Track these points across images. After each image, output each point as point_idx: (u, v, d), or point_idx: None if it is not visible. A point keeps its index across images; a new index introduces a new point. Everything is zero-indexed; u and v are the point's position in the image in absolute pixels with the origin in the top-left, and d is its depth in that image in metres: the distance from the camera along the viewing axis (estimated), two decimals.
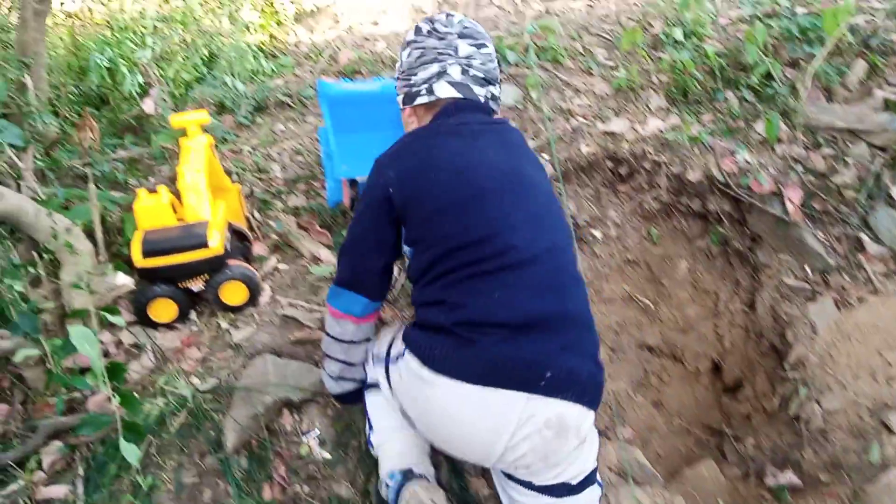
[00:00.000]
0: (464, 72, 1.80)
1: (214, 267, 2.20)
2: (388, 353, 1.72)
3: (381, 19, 4.80)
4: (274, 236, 2.69)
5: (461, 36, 1.82)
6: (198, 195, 2.23)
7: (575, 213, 3.04)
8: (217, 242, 2.15)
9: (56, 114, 3.33)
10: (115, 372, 1.82)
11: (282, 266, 2.56)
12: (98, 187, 2.85)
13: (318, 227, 2.70)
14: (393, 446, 1.82)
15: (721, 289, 3.00)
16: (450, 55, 1.79)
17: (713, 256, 3.03)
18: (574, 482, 1.59)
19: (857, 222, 2.79)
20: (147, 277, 2.18)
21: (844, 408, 2.43)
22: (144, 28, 4.22)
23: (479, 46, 1.84)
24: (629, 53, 3.61)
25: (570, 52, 3.68)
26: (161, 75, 3.77)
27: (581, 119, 3.22)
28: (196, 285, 2.23)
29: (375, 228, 1.72)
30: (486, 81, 1.83)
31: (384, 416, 1.83)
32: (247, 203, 2.75)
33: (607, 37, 3.88)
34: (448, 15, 1.88)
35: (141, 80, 3.45)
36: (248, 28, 4.53)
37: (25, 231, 2.12)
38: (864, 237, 2.74)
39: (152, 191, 2.26)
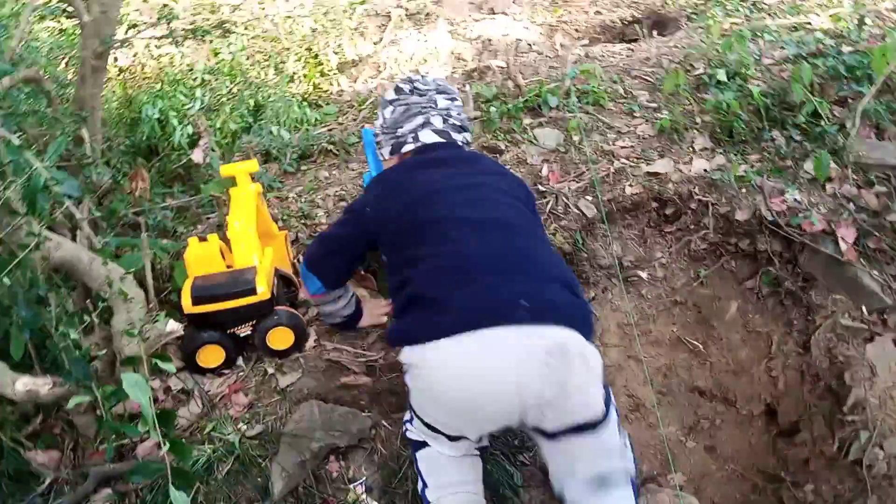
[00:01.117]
0: (444, 121, 2.12)
1: (262, 313, 2.21)
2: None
3: (422, 68, 4.89)
4: None
5: (438, 92, 2.18)
6: (246, 242, 2.26)
7: (620, 254, 3.00)
8: (264, 289, 2.17)
9: (108, 164, 3.44)
10: (165, 419, 1.82)
11: None
12: (148, 236, 2.92)
13: (363, 272, 2.72)
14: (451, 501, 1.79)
15: (773, 330, 2.91)
16: (431, 108, 2.12)
17: (764, 297, 2.96)
18: (600, 412, 1.60)
19: None
20: (196, 324, 2.21)
21: None
22: (193, 81, 4.37)
23: (452, 100, 2.19)
24: (672, 95, 3.60)
25: (612, 95, 3.68)
26: (209, 125, 3.88)
27: (624, 160, 3.20)
28: (244, 331, 2.25)
29: (349, 236, 2.06)
30: (463, 129, 2.17)
31: (437, 472, 1.81)
32: (293, 249, 2.78)
33: (649, 79, 3.88)
34: (423, 75, 2.25)
35: (190, 130, 3.56)
36: (292, 79, 4.65)
37: (80, 278, 2.18)
38: None
39: (203, 239, 2.30)
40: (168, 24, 2.70)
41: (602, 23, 5.61)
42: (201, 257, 2.23)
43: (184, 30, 2.74)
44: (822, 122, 3.20)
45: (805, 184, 3.01)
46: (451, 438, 1.75)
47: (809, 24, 4.37)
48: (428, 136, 2.09)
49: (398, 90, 2.21)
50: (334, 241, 2.13)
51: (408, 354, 1.63)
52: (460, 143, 2.14)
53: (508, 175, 2.11)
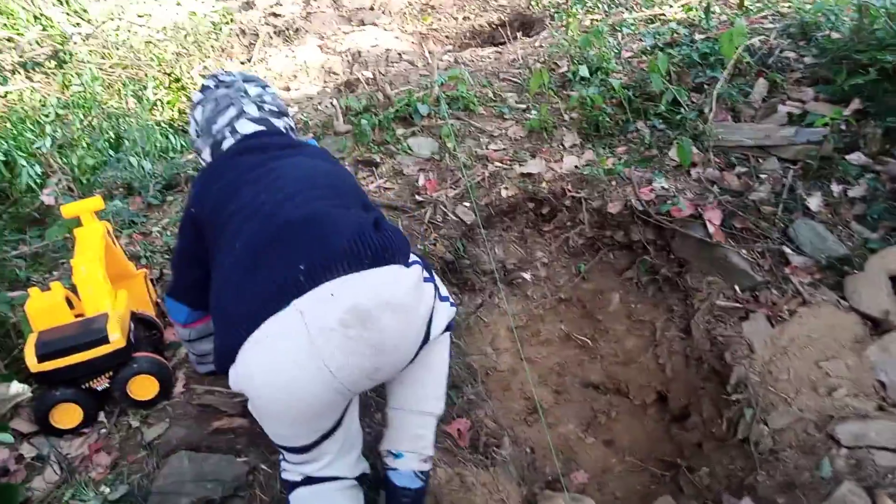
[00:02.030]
0: (259, 108, 1.95)
1: (119, 362, 2.04)
2: None
3: (292, 84, 4.76)
4: None
5: (246, 80, 2.01)
6: (95, 287, 2.08)
7: (503, 257, 2.99)
8: (118, 336, 2.00)
9: None
10: (6, 496, 1.65)
11: None
12: None
13: None
14: None
15: (656, 317, 2.97)
16: (242, 96, 1.95)
17: (644, 286, 3.01)
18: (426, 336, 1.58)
19: (778, 236, 2.80)
20: (46, 382, 2.01)
21: (791, 425, 2.39)
22: (45, 117, 4.08)
23: (264, 87, 2.02)
24: (539, 95, 3.63)
25: (482, 99, 3.68)
26: (65, 163, 3.62)
27: (498, 163, 3.20)
28: (101, 384, 2.07)
29: (189, 243, 1.82)
30: (281, 114, 2.00)
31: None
32: (156, 287, 2.61)
33: (517, 80, 3.91)
34: (225, 70, 2.10)
35: (39, 170, 3.30)
36: (154, 106, 4.43)
37: None
38: (787, 250, 2.75)
39: (45, 288, 2.11)
40: None
41: (471, 28, 5.66)
42: (44, 309, 2.04)
43: (13, 63, 2.52)
44: (682, 110, 3.30)
45: (671, 171, 3.08)
46: (321, 453, 1.62)
47: (664, 15, 4.54)
48: (245, 126, 1.89)
49: (203, 88, 2.03)
50: (180, 256, 1.90)
51: (231, 380, 1.48)
52: (283, 130, 1.96)
53: (336, 164, 1.96)
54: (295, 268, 1.40)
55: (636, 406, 2.90)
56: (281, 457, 1.73)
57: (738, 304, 2.71)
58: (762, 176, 2.97)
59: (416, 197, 3.10)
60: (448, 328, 1.83)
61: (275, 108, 1.98)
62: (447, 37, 5.51)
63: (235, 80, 2.00)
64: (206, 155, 1.96)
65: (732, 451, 2.54)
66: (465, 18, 5.78)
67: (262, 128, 1.90)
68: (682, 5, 4.59)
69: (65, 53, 2.71)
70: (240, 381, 1.45)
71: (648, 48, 3.90)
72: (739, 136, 3.11)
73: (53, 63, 2.51)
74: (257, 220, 1.55)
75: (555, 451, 2.68)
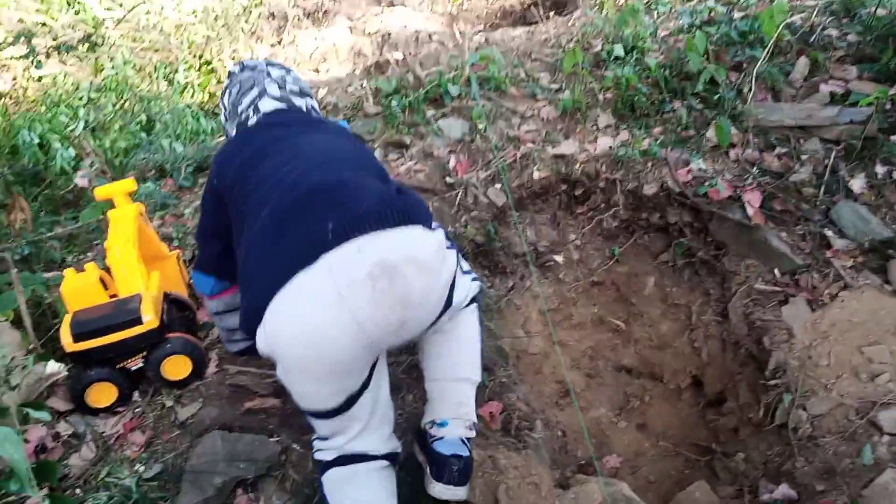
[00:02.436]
0: (280, 87, 2.00)
1: (152, 342, 2.05)
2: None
3: (321, 66, 4.75)
4: None
5: (269, 64, 2.08)
6: (129, 268, 2.09)
7: (535, 240, 2.95)
8: (152, 316, 2.01)
9: None
10: (45, 472, 1.67)
11: None
12: (32, 270, 2.71)
13: None
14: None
15: (692, 301, 2.91)
16: (265, 78, 2.01)
17: (680, 269, 2.95)
18: (448, 299, 1.58)
19: (820, 218, 2.73)
20: (81, 362, 2.03)
21: (831, 411, 2.33)
22: (79, 100, 4.12)
23: (287, 71, 2.09)
24: (572, 75, 3.56)
25: (513, 80, 3.62)
26: (97, 146, 3.65)
27: (530, 144, 3.14)
28: (135, 364, 2.08)
29: (212, 215, 1.87)
30: (304, 94, 2.05)
31: (343, 496, 1.66)
32: (189, 269, 2.62)
33: (549, 60, 3.84)
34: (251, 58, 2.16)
35: (73, 153, 3.33)
36: (185, 89, 4.44)
37: None
38: (829, 233, 2.68)
39: (80, 269, 2.12)
40: (28, 42, 2.48)
41: (502, 7, 5.58)
42: (79, 290, 2.06)
43: (47, 48, 2.53)
44: (720, 89, 3.21)
45: (709, 152, 3.01)
46: (351, 418, 1.62)
47: None
48: (267, 104, 1.96)
49: (230, 74, 2.12)
50: (203, 228, 1.97)
51: (259, 341, 1.48)
52: (305, 109, 2.01)
53: (357, 142, 1.99)
54: (323, 226, 1.42)
55: (670, 390, 2.85)
56: (313, 437, 1.73)
57: (777, 288, 2.65)
58: (803, 157, 2.89)
59: (447, 179, 3.06)
60: (474, 300, 1.87)
61: (296, 89, 2.03)
62: (477, 17, 5.44)
63: (258, 64, 2.07)
64: (232, 134, 2.02)
65: (770, 437, 2.49)
66: None
67: (283, 106, 1.95)
68: None
69: (98, 37, 2.71)
70: (268, 339, 1.46)
71: (685, 27, 3.80)
72: (780, 116, 3.02)
73: (86, 46, 2.52)
74: (282, 188, 1.57)
75: (587, 434, 2.65)
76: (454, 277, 1.62)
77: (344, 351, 1.44)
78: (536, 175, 2.99)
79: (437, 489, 1.74)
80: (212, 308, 2.07)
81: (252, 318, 1.47)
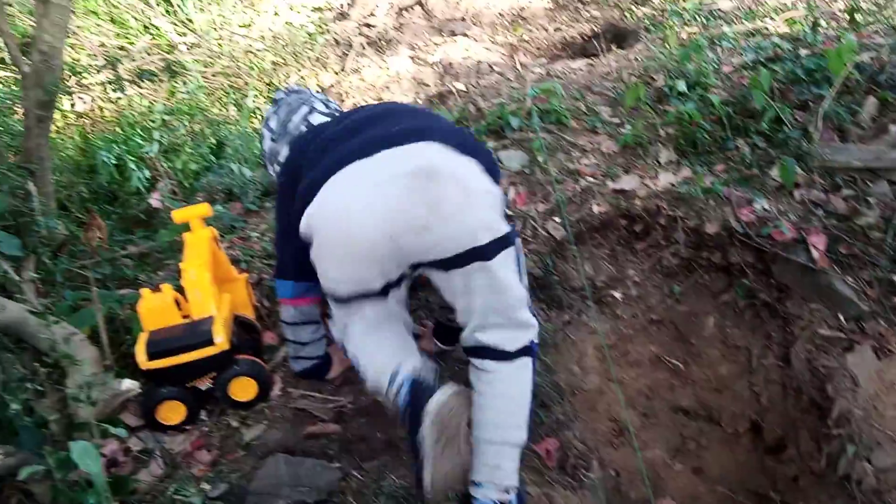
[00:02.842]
0: (326, 106, 2.25)
1: (222, 364, 2.13)
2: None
3: (384, 96, 4.85)
4: None
5: (312, 93, 2.34)
6: (203, 291, 2.18)
7: (592, 274, 2.95)
8: (222, 339, 2.08)
9: (67, 215, 3.34)
10: (118, 486, 1.74)
11: None
12: (106, 287, 2.83)
13: (328, 314, 2.63)
14: (378, 354, 1.87)
15: (752, 344, 2.86)
16: (311, 97, 2.27)
17: (741, 310, 2.91)
18: (484, 239, 1.64)
19: (887, 264, 2.66)
20: (154, 379, 2.12)
21: None
22: (152, 122, 4.29)
23: (328, 99, 2.34)
24: (633, 109, 3.57)
25: (574, 113, 3.65)
26: (169, 167, 3.80)
27: (590, 179, 3.16)
28: (204, 384, 2.16)
29: (284, 216, 2.00)
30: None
31: (365, 343, 1.87)
32: (255, 291, 2.70)
33: (610, 94, 3.86)
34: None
35: (147, 174, 3.47)
36: (254, 113, 4.59)
37: (29, 341, 2.08)
38: None
39: (156, 289, 2.21)
40: (114, 68, 2.63)
41: (562, 39, 5.62)
42: (155, 309, 2.15)
43: (130, 73, 2.67)
44: (785, 128, 3.18)
45: (772, 192, 2.98)
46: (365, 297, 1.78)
47: (766, 28, 4.39)
48: (317, 119, 2.17)
49: (274, 101, 2.35)
50: (279, 232, 2.17)
51: (303, 222, 1.68)
52: None
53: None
54: (391, 128, 1.63)
55: (728, 434, 2.81)
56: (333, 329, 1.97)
57: (842, 335, 2.60)
58: (871, 200, 2.83)
59: (506, 211, 3.09)
60: (529, 353, 1.81)
61: (337, 108, 2.29)
62: (538, 48, 5.49)
63: (302, 89, 2.35)
64: (284, 154, 2.19)
65: (831, 489, 2.43)
66: (556, 30, 5.75)
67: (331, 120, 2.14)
68: (786, 19, 4.43)
69: (176, 65, 2.86)
70: (311, 217, 1.65)
71: (749, 63, 3.78)
72: (847, 157, 2.97)
73: (167, 74, 2.67)
74: (356, 117, 1.86)
75: (645, 476, 2.62)
76: (501, 237, 1.68)
77: (366, 232, 1.58)
78: (596, 209, 3.00)
79: None
80: (288, 316, 2.19)
81: (306, 193, 1.66)
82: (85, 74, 2.77)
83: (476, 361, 1.79)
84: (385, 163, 1.57)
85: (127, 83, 2.96)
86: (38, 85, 2.57)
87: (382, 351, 1.86)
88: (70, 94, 3.43)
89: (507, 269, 1.72)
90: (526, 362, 1.80)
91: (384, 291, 1.79)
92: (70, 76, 2.77)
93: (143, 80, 2.81)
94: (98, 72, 2.92)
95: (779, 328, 2.81)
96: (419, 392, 1.69)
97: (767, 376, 2.79)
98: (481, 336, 1.75)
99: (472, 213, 1.61)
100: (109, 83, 2.51)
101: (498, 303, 1.72)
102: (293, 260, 2.03)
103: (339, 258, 1.69)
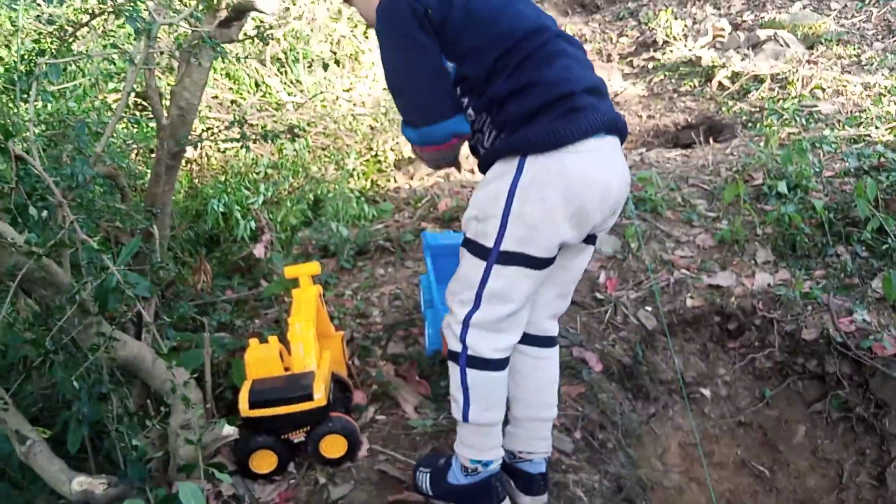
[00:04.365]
0: None
1: (317, 419, 2.18)
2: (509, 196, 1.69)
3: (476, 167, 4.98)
4: (373, 385, 2.68)
5: None
6: (306, 345, 2.26)
7: (682, 368, 2.92)
8: (321, 395, 2.15)
9: (173, 256, 3.53)
10: None
11: (380, 417, 2.53)
12: (204, 329, 2.95)
13: (417, 377, 2.68)
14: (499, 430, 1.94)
15: (844, 459, 2.76)
16: None
17: (834, 422, 2.82)
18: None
19: None
20: (251, 427, 2.19)
21: None
22: (257, 174, 4.51)
23: None
24: (731, 205, 3.58)
25: (669, 203, 3.68)
26: (270, 219, 3.97)
27: (684, 271, 3.16)
28: (298, 437, 2.21)
29: (429, 55, 1.72)
30: None
31: (493, 394, 1.89)
32: (347, 349, 2.77)
33: (706, 187, 3.88)
34: None
35: (253, 225, 3.64)
36: (352, 174, 4.77)
37: (142, 378, 2.19)
38: None
39: (263, 340, 2.31)
40: (240, 127, 2.82)
41: (655, 127, 5.68)
42: (261, 359, 2.23)
43: (255, 134, 2.87)
44: (889, 239, 3.12)
45: (874, 303, 2.91)
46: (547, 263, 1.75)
47: (869, 136, 4.36)
48: None
49: None
50: (427, 71, 1.76)
51: (547, 158, 1.63)
52: None
53: None
54: (617, 118, 1.74)
55: None
56: (465, 315, 1.82)
57: None
58: None
59: (596, 294, 3.11)
60: (556, 341, 2.05)
61: None
62: (631, 134, 5.56)
63: None
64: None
65: None
66: (649, 117, 5.83)
67: None
68: (890, 127, 4.39)
69: (299, 129, 3.03)
70: (562, 171, 1.63)
71: (852, 169, 3.75)
72: None
73: (289, 137, 2.84)
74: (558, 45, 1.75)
75: None
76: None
77: (604, 202, 1.69)
78: (689, 303, 2.99)
79: (527, 501, 2.04)
80: (452, 153, 1.96)
81: (560, 139, 1.63)
82: (213, 129, 2.97)
83: (529, 349, 1.98)
84: (618, 150, 1.75)
85: (251, 143, 3.14)
86: (172, 136, 2.76)
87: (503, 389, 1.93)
88: (197, 145, 3.66)
89: None
90: (557, 348, 2.07)
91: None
92: (202, 132, 2.97)
93: (269, 142, 2.98)
94: (227, 128, 3.10)
95: (874, 445, 2.70)
96: (490, 490, 1.96)
97: (859, 494, 2.67)
98: (550, 325, 2.00)
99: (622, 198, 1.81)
100: (236, 141, 2.68)
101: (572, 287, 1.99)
102: (452, 96, 1.76)
103: (578, 201, 1.66)
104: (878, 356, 2.69)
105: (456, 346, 1.86)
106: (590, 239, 1.85)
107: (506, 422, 2.01)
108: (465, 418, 1.88)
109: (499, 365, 1.86)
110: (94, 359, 1.96)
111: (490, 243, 1.73)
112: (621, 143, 1.78)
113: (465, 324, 1.82)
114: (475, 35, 1.71)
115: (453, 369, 1.89)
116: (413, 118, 1.81)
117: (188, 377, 2.07)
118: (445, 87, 1.74)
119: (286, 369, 2.29)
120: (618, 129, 1.73)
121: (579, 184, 1.63)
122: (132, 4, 2.14)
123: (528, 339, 1.96)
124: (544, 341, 1.99)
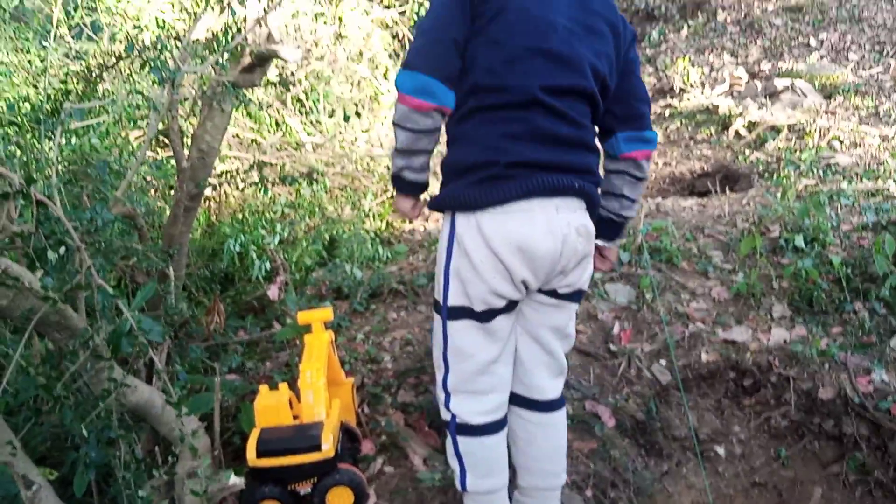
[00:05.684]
0: None
1: (325, 470, 2.16)
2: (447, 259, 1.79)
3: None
4: (382, 434, 2.65)
5: None
6: (316, 394, 2.24)
7: (695, 425, 2.87)
8: (329, 446, 2.12)
9: (186, 295, 3.55)
10: None
11: (388, 468, 2.50)
12: (214, 370, 2.95)
13: (427, 428, 2.65)
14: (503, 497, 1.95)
15: None
16: None
17: (851, 485, 2.74)
18: (585, 287, 1.87)
19: None
20: (258, 477, 2.16)
21: None
22: (274, 214, 4.55)
23: None
24: (747, 258, 3.55)
25: (685, 254, 3.66)
26: (285, 259, 3.99)
27: (700, 324, 3.13)
28: (304, 488, 2.18)
29: (459, 22, 1.70)
30: None
31: (488, 461, 1.88)
32: (357, 396, 2.75)
33: (722, 238, 3.86)
34: None
35: (268, 265, 3.66)
36: (367, 215, 4.80)
37: (151, 423, 2.19)
38: None
39: (273, 387, 2.30)
40: (259, 171, 2.85)
41: (671, 174, 5.69)
42: (270, 407, 2.21)
43: (274, 176, 2.89)
44: None
45: (892, 363, 2.86)
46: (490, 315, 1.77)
47: (888, 189, 4.33)
48: None
49: None
50: (447, 33, 1.70)
51: (479, 220, 1.67)
52: None
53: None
54: (572, 182, 1.71)
55: None
56: (441, 393, 1.89)
57: None
58: None
59: (610, 345, 3.08)
60: (563, 403, 2.00)
61: None
62: (646, 180, 5.58)
63: None
64: None
65: None
66: (665, 164, 5.84)
67: None
68: None
69: (318, 173, 3.07)
70: (485, 224, 1.67)
71: (870, 224, 3.72)
72: None
73: (306, 181, 2.88)
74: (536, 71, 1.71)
75: None
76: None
77: (542, 262, 1.69)
78: (704, 357, 2.95)
79: None
80: (420, 124, 1.70)
81: (476, 203, 1.67)
82: (231, 173, 3.00)
83: (527, 413, 1.94)
84: (564, 210, 1.71)
85: (271, 186, 3.18)
86: (192, 179, 2.80)
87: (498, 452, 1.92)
88: (216, 187, 3.71)
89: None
90: (564, 412, 2.01)
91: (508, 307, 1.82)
92: (221, 174, 3.01)
93: (287, 185, 3.03)
94: (247, 172, 3.14)
95: None
96: None
97: None
98: (549, 386, 1.94)
99: (590, 268, 1.85)
100: (256, 184, 2.71)
101: (567, 328, 1.93)
102: (456, 72, 1.71)
103: (508, 256, 1.68)
104: None
105: (445, 415, 1.89)
106: (572, 296, 1.85)
107: (515, 485, 1.98)
108: (464, 487, 1.89)
109: (488, 430, 1.86)
110: (106, 403, 1.96)
111: (441, 299, 1.81)
112: (588, 206, 1.77)
113: (445, 390, 1.88)
114: (485, 54, 1.70)
115: (447, 438, 1.88)
116: (409, 58, 1.73)
117: (197, 425, 2.07)
118: (447, 50, 1.69)
119: (295, 417, 2.27)
120: (567, 191, 1.70)
121: (495, 241, 1.67)
122: (158, 54, 2.19)
123: (524, 403, 1.93)
124: (544, 406, 1.93)
